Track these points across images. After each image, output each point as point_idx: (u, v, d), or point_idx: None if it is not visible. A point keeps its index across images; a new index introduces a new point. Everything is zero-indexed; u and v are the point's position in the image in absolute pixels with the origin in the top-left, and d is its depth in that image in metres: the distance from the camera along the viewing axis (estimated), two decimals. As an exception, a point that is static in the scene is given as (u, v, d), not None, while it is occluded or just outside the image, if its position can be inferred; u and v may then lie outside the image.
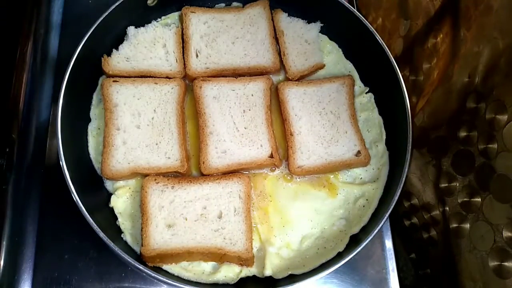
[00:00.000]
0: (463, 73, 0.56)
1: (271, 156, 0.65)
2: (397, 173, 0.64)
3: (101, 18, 0.68)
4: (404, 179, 0.62)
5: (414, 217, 0.70)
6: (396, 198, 0.62)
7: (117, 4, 0.69)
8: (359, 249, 0.59)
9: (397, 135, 0.68)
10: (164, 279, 0.57)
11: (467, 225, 0.56)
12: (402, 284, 0.69)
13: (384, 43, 0.69)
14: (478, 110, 0.53)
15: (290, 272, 0.62)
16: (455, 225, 0.58)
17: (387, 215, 0.61)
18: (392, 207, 0.61)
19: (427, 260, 0.67)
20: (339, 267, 0.58)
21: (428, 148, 0.65)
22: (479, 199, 0.53)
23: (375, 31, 0.70)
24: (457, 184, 0.58)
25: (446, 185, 0.60)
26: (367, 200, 0.67)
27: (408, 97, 0.66)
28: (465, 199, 0.56)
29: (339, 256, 0.63)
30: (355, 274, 0.68)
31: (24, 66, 0.78)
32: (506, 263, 0.49)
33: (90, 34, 0.66)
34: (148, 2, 0.74)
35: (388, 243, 0.71)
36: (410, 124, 0.65)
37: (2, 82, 0.77)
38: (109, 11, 0.68)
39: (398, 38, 0.73)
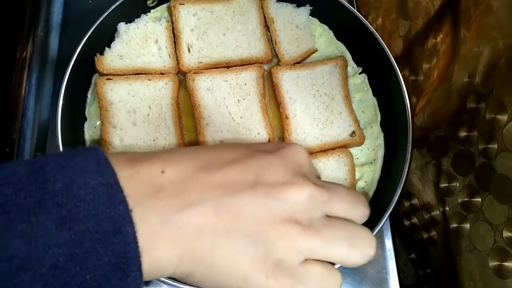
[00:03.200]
0: (463, 73, 0.56)
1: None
2: (397, 173, 0.64)
3: (101, 18, 0.68)
4: (404, 179, 0.62)
5: (414, 217, 0.70)
6: (396, 198, 0.62)
7: (117, 4, 0.69)
8: (359, 249, 0.59)
9: (397, 136, 0.68)
10: (165, 279, 0.57)
11: (467, 225, 0.56)
12: (402, 284, 0.69)
13: (379, 37, 0.69)
14: (478, 110, 0.53)
15: None
16: (455, 225, 0.58)
17: (387, 215, 0.61)
18: (392, 207, 0.61)
19: (427, 260, 0.67)
20: (339, 267, 0.58)
21: (428, 148, 0.65)
22: (479, 199, 0.53)
23: (373, 29, 0.70)
24: (457, 184, 0.58)
25: (446, 185, 0.60)
26: (366, 182, 0.68)
27: (408, 97, 0.66)
28: (465, 199, 0.56)
29: None
30: (355, 274, 0.68)
31: (24, 66, 0.78)
32: (506, 263, 0.49)
33: (90, 34, 0.66)
34: (148, 2, 0.74)
35: (388, 243, 0.71)
36: (410, 124, 0.65)
37: (2, 82, 0.77)
38: (109, 11, 0.68)
39: (398, 38, 0.73)
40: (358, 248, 0.41)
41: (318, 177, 0.46)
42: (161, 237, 0.35)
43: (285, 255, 0.38)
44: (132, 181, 0.34)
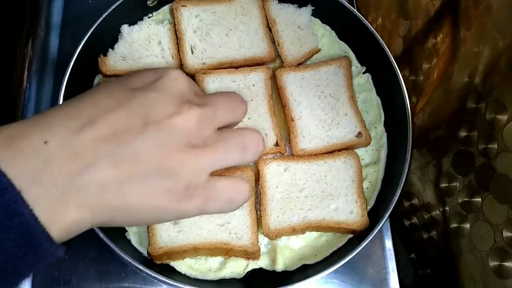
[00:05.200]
0: (463, 73, 0.56)
1: (277, 144, 0.66)
2: (397, 173, 0.64)
3: (101, 18, 0.68)
4: (404, 179, 0.62)
5: (414, 217, 0.70)
6: (396, 198, 0.62)
7: (117, 4, 0.69)
8: (359, 249, 0.59)
9: (397, 135, 0.68)
10: (165, 279, 0.57)
11: (467, 225, 0.56)
12: (402, 284, 0.69)
13: (379, 37, 0.69)
14: (478, 110, 0.53)
15: (303, 263, 0.63)
16: (455, 225, 0.58)
17: (387, 215, 0.61)
18: (392, 207, 0.61)
19: (427, 260, 0.67)
20: (339, 267, 0.58)
21: (428, 148, 0.65)
22: (479, 199, 0.53)
23: (373, 29, 0.70)
24: (457, 184, 0.58)
25: (446, 185, 0.60)
26: (370, 182, 0.68)
27: (408, 97, 0.66)
28: (465, 199, 0.56)
29: (346, 245, 0.64)
30: (355, 274, 0.68)
31: (24, 66, 0.78)
32: (506, 263, 0.49)
33: (90, 34, 0.66)
34: (148, 2, 0.74)
35: (388, 243, 0.71)
36: (410, 124, 0.65)
37: (2, 82, 0.77)
38: (109, 11, 0.68)
39: (398, 38, 0.73)
40: (249, 149, 0.47)
41: (198, 92, 0.46)
42: (66, 204, 0.35)
43: (190, 178, 0.41)
44: (15, 162, 0.33)
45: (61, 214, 0.35)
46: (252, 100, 0.68)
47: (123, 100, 0.41)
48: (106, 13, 0.68)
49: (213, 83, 0.68)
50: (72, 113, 0.39)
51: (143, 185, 0.39)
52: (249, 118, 0.67)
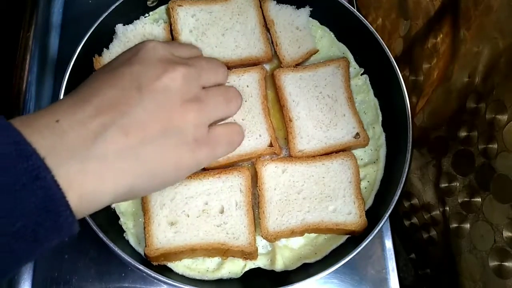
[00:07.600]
0: (463, 73, 0.57)
1: (271, 145, 0.66)
2: (397, 173, 0.64)
3: (101, 18, 0.68)
4: (404, 179, 0.62)
5: (414, 217, 0.70)
6: (396, 198, 0.62)
7: (117, 4, 0.69)
8: (359, 249, 0.59)
9: (397, 136, 0.68)
10: (164, 279, 0.57)
11: (467, 225, 0.56)
12: (402, 284, 0.69)
13: (379, 37, 0.69)
14: (478, 110, 0.53)
15: (303, 262, 0.63)
16: (455, 225, 0.58)
17: (387, 215, 0.61)
18: (392, 207, 0.61)
19: (427, 260, 0.68)
20: (339, 267, 0.58)
21: (428, 148, 0.65)
22: (479, 199, 0.53)
23: (373, 29, 0.70)
24: (457, 184, 0.58)
25: (446, 185, 0.60)
26: (368, 182, 0.68)
27: (408, 97, 0.66)
28: (465, 199, 0.56)
29: (346, 245, 0.64)
30: (355, 274, 0.68)
31: (24, 66, 0.78)
32: (506, 263, 0.49)
33: (90, 34, 0.66)
34: (148, 2, 0.74)
35: (388, 243, 0.71)
36: (410, 124, 0.65)
37: (2, 82, 0.77)
38: (109, 11, 0.68)
39: (398, 38, 0.73)
40: (232, 101, 0.56)
41: (181, 55, 0.52)
42: (85, 172, 0.38)
43: (195, 131, 0.47)
44: (34, 136, 0.37)
45: (81, 182, 0.38)
46: (246, 101, 0.68)
47: (112, 79, 0.45)
48: (106, 13, 0.68)
49: None
50: (72, 101, 0.43)
51: (157, 146, 0.43)
52: (243, 119, 0.67)
